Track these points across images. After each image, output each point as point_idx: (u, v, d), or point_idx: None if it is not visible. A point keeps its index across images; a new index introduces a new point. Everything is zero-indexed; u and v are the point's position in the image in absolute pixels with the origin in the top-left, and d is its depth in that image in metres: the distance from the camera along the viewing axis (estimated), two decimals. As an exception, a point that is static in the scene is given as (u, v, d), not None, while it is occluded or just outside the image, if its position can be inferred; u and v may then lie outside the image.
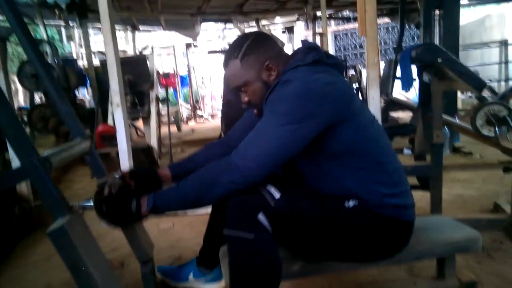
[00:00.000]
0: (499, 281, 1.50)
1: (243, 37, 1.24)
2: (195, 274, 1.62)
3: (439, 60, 1.81)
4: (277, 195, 1.09)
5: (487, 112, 2.23)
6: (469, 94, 8.25)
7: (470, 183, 2.83)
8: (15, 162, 2.64)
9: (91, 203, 1.21)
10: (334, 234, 1.13)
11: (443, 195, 2.05)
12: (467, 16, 11.64)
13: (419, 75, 2.46)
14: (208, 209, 1.60)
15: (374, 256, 1.21)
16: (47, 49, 5.66)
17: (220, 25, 8.80)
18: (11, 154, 2.69)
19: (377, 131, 1.19)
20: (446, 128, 3.51)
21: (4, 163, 3.36)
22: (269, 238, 1.06)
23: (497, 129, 2.17)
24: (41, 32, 5.99)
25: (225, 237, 1.09)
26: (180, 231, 2.39)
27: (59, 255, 0.98)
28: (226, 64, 1.23)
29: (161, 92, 6.88)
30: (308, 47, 1.19)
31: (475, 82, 1.82)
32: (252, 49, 1.18)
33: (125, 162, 3.00)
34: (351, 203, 1.14)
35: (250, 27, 3.00)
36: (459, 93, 7.98)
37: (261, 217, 1.04)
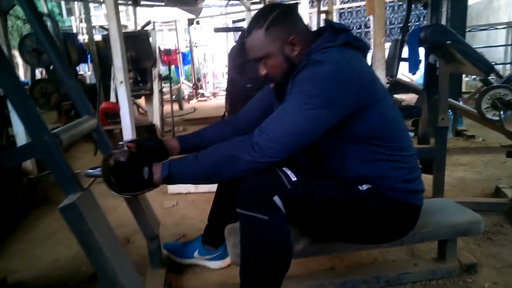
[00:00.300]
0: (498, 263, 1.53)
1: (270, 8, 1.20)
2: (200, 251, 1.64)
3: (448, 42, 1.78)
4: (293, 177, 1.09)
5: (493, 95, 2.23)
6: (473, 76, 8.18)
7: (472, 167, 2.84)
8: (19, 138, 2.65)
9: (98, 172, 1.19)
10: (347, 217, 1.15)
11: (445, 178, 2.07)
12: (475, -4, 11.41)
13: (426, 56, 2.44)
14: (211, 188, 1.62)
15: (381, 239, 1.25)
16: (48, 23, 5.58)
17: (223, 1, 8.64)
18: (15, 130, 2.69)
19: (397, 116, 1.20)
20: (450, 111, 3.50)
21: (7, 138, 3.37)
22: (283, 219, 1.08)
23: (502, 113, 2.17)
24: (41, 6, 5.89)
25: (237, 216, 1.11)
26: (184, 209, 2.42)
27: (71, 230, 0.99)
28: (249, 33, 1.19)
29: (162, 69, 6.82)
30: (336, 28, 1.17)
31: (483, 66, 1.81)
32: (279, 21, 1.15)
33: (129, 139, 3.01)
34: (364, 187, 1.15)
35: (255, 3, 2.96)
36: (463, 75, 7.91)
37: (277, 199, 1.06)
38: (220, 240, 1.57)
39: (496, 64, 7.32)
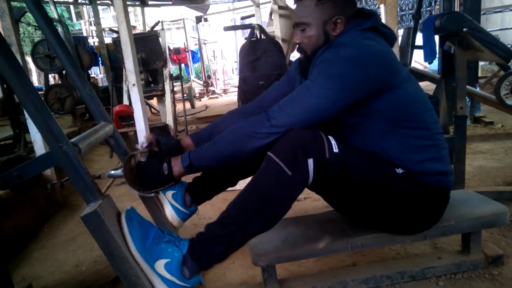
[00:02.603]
0: (525, 254, 1.49)
1: None
2: (175, 196, 1.43)
3: (465, 29, 1.74)
4: (335, 149, 1.09)
5: (512, 81, 2.16)
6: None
7: (492, 154, 2.78)
8: (37, 145, 2.69)
9: (120, 172, 1.23)
10: (379, 201, 1.16)
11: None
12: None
13: (441, 44, 2.38)
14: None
15: (410, 226, 1.24)
16: (59, 28, 5.65)
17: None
18: (33, 136, 2.74)
19: (424, 98, 1.21)
20: (467, 98, 3.42)
21: (25, 145, 3.43)
22: (304, 183, 1.09)
23: (523, 99, 2.11)
24: (51, 11, 5.95)
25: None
26: (201, 209, 2.37)
27: (94, 238, 1.00)
28: None
29: (172, 68, 6.84)
30: (365, 13, 1.21)
31: (503, 53, 1.75)
32: None
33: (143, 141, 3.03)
34: (399, 170, 1.16)
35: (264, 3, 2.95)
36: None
37: (310, 162, 1.06)
38: (200, 198, 1.46)
39: (510, 45, 7.13)
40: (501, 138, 3.06)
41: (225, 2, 8.69)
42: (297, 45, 1.26)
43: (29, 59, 5.62)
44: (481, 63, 7.74)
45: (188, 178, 1.38)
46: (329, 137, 1.12)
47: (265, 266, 1.29)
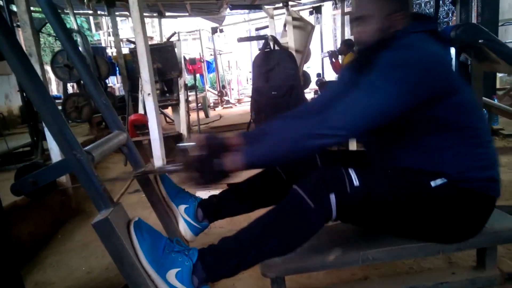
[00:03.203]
0: (543, 271, 1.44)
1: None
2: (188, 210, 1.45)
3: (480, 41, 1.72)
4: (356, 182, 1.10)
5: (531, 94, 2.13)
6: (507, 72, 7.85)
7: (511, 168, 2.71)
8: (54, 152, 2.75)
9: (192, 144, 1.28)
10: (412, 217, 1.16)
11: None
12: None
13: (457, 56, 2.36)
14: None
15: (456, 234, 1.23)
16: (78, 38, 5.80)
17: (244, 10, 8.70)
18: (49, 143, 2.80)
19: (477, 104, 1.22)
20: (484, 110, 3.36)
21: (42, 152, 3.51)
22: (324, 217, 1.10)
23: (541, 112, 2.06)
24: (71, 22, 6.12)
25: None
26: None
27: (104, 245, 1.02)
28: None
29: (187, 78, 6.93)
30: (425, 17, 1.23)
31: (514, 61, 1.73)
32: None
33: (157, 150, 3.07)
34: (438, 181, 1.14)
35: (278, 8, 2.97)
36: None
37: (332, 198, 1.08)
38: (213, 216, 1.46)
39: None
40: (520, 152, 2.99)
41: (240, 13, 8.79)
42: (355, 39, 1.27)
43: (48, 68, 5.78)
44: (499, 75, 7.61)
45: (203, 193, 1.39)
46: (350, 170, 1.12)
47: (274, 277, 1.27)
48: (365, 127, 1.09)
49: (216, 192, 1.52)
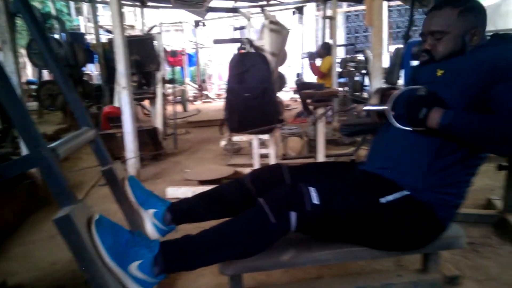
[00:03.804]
0: (481, 275, 1.57)
1: None
2: (157, 214, 1.45)
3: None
4: (316, 200, 1.18)
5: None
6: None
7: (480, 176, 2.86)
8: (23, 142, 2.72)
9: (380, 107, 1.38)
10: (365, 233, 1.25)
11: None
12: (483, 0, 11.33)
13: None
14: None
15: (399, 248, 1.32)
16: (56, 24, 5.69)
17: (230, 3, 8.70)
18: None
19: None
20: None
21: (13, 139, 3.45)
22: (284, 232, 1.19)
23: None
24: (49, 7, 5.99)
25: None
26: None
27: (65, 241, 1.05)
28: (440, 7, 1.27)
29: (167, 69, 6.89)
30: (506, 36, 1.29)
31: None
32: (473, 10, 1.25)
33: (130, 143, 3.09)
34: (389, 198, 1.22)
35: (256, 14, 2.98)
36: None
37: (293, 215, 1.16)
38: (180, 220, 1.48)
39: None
40: (479, 161, 3.14)
41: (222, 11, 8.78)
42: (425, 51, 1.31)
43: (25, 52, 5.64)
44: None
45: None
46: (311, 189, 1.20)
47: (231, 275, 1.34)
48: None
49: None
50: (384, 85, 1.45)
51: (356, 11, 11.85)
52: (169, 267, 1.18)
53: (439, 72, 1.28)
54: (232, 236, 1.20)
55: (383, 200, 1.22)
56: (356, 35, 12.20)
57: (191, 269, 1.23)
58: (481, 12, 1.27)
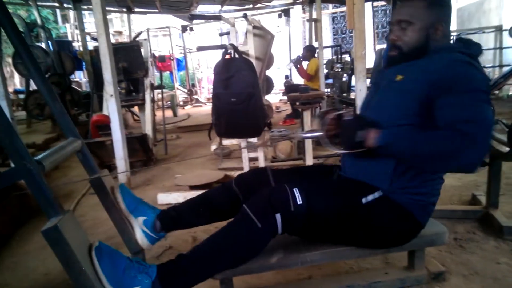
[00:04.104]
0: (466, 270, 1.60)
1: None
2: (146, 222, 1.47)
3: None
4: (299, 200, 1.21)
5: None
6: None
7: (453, 173, 2.91)
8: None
9: (314, 134, 1.42)
10: (348, 231, 1.29)
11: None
12: (466, -2, 11.51)
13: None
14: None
15: (383, 245, 1.37)
16: (42, 33, 5.66)
17: (217, 7, 8.73)
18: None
19: None
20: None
21: (2, 150, 3.43)
22: (271, 234, 1.23)
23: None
24: (35, 16, 5.96)
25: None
26: None
27: (53, 251, 1.07)
28: None
29: (157, 75, 6.88)
30: (469, 42, 1.31)
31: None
32: (441, 5, 1.26)
33: (119, 151, 3.09)
34: (369, 198, 1.26)
35: (241, 18, 2.99)
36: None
37: (278, 217, 1.19)
38: (170, 227, 1.51)
39: (485, 67, 7.43)
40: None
41: (211, 13, 8.81)
42: (392, 41, 1.31)
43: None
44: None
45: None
46: (294, 189, 1.23)
47: (221, 279, 1.36)
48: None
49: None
50: (324, 109, 1.49)
51: (342, 12, 11.95)
52: None
53: (398, 77, 1.30)
54: (222, 248, 1.23)
55: (364, 200, 1.26)
56: (343, 36, 12.31)
57: (189, 287, 1.25)
58: (448, 7, 1.30)
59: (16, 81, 10.78)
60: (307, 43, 6.71)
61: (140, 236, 1.48)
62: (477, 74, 1.17)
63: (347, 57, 6.21)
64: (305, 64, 5.86)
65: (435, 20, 1.26)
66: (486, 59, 8.92)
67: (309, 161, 2.91)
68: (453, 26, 10.06)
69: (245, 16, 2.46)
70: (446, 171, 1.27)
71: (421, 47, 1.27)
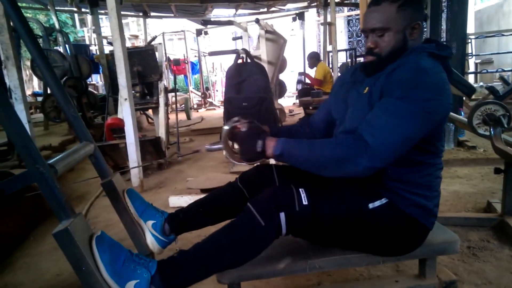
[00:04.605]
0: (479, 279, 1.57)
1: None
2: (155, 226, 1.49)
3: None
4: (305, 201, 1.19)
5: (483, 111, 2.27)
6: (481, 83, 8.12)
7: (469, 179, 2.86)
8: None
9: (218, 146, 1.40)
10: (352, 238, 1.27)
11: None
12: (486, 0, 11.32)
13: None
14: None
15: (390, 252, 1.33)
16: (59, 37, 5.79)
17: (231, 11, 8.79)
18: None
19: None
20: (450, 123, 3.52)
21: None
22: (275, 233, 1.20)
23: (492, 129, 2.20)
24: (53, 21, 6.10)
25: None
26: None
27: (64, 254, 1.09)
28: (378, 2, 1.23)
29: (171, 78, 6.96)
30: (441, 44, 1.26)
31: (465, 88, 1.86)
32: (412, 3, 1.22)
33: (133, 154, 3.13)
34: (376, 203, 1.24)
35: (252, 24, 3.01)
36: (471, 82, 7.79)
37: (282, 216, 1.17)
38: (179, 230, 1.52)
39: (504, 71, 7.26)
40: (481, 163, 3.15)
41: (225, 16, 8.87)
42: (369, 49, 1.26)
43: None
44: (474, 85, 7.87)
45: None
46: (300, 189, 1.22)
47: (229, 283, 1.36)
48: (399, 156, 1.12)
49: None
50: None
51: (357, 15, 11.87)
52: (166, 286, 1.20)
53: (366, 90, 1.27)
54: (224, 245, 1.21)
55: (371, 205, 1.24)
56: (358, 38, 12.22)
57: (188, 285, 1.24)
58: (418, 4, 1.26)
59: (35, 84, 11.03)
60: (322, 46, 6.70)
61: (150, 240, 1.50)
62: (426, 82, 1.12)
63: (361, 60, 6.17)
64: (312, 71, 5.86)
65: (410, 20, 1.22)
66: (506, 63, 8.74)
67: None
68: (471, 29, 9.90)
69: (257, 21, 2.47)
70: (339, 175, 1.22)
71: (400, 49, 1.24)
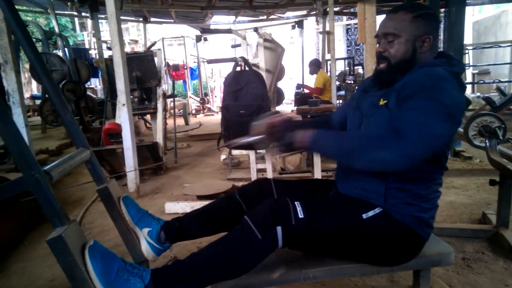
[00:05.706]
0: (473, 292, 1.58)
1: (426, 6, 1.33)
2: (151, 233, 1.49)
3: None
4: (301, 214, 1.20)
5: (479, 123, 2.28)
6: (478, 93, 8.17)
7: (465, 190, 2.87)
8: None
9: (255, 138, 1.44)
10: (349, 247, 1.27)
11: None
12: (484, 11, 11.43)
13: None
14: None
15: (385, 262, 1.33)
16: (59, 41, 5.81)
17: (231, 17, 8.84)
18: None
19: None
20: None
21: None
22: (272, 247, 1.21)
23: (487, 141, 2.22)
24: (53, 24, 6.12)
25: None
26: None
27: (57, 261, 1.08)
28: (396, 11, 1.28)
29: (170, 84, 6.97)
30: (453, 58, 1.30)
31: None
32: (428, 18, 1.26)
33: (130, 159, 3.13)
34: (370, 213, 1.25)
35: (251, 31, 3.04)
36: (467, 93, 7.85)
37: (279, 230, 1.18)
38: (174, 238, 1.51)
39: (501, 81, 7.32)
40: (476, 174, 3.16)
41: (225, 23, 8.91)
42: (379, 53, 1.30)
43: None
44: (471, 95, 7.93)
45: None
46: (296, 203, 1.23)
47: (223, 293, 1.36)
48: (427, 156, 1.12)
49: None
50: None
51: (356, 24, 11.94)
52: None
53: (382, 102, 1.28)
54: (220, 257, 1.21)
55: (364, 215, 1.25)
56: (357, 47, 12.28)
57: None
58: (434, 20, 1.29)
59: (34, 87, 11.02)
60: (320, 55, 6.73)
61: (145, 247, 1.49)
62: (448, 88, 1.15)
63: (359, 69, 6.21)
64: (312, 78, 5.89)
65: (422, 33, 1.25)
66: (503, 73, 8.81)
67: (317, 174, 2.90)
68: (469, 39, 9.98)
69: (255, 29, 2.49)
70: (371, 166, 1.19)
71: (408, 60, 1.27)
